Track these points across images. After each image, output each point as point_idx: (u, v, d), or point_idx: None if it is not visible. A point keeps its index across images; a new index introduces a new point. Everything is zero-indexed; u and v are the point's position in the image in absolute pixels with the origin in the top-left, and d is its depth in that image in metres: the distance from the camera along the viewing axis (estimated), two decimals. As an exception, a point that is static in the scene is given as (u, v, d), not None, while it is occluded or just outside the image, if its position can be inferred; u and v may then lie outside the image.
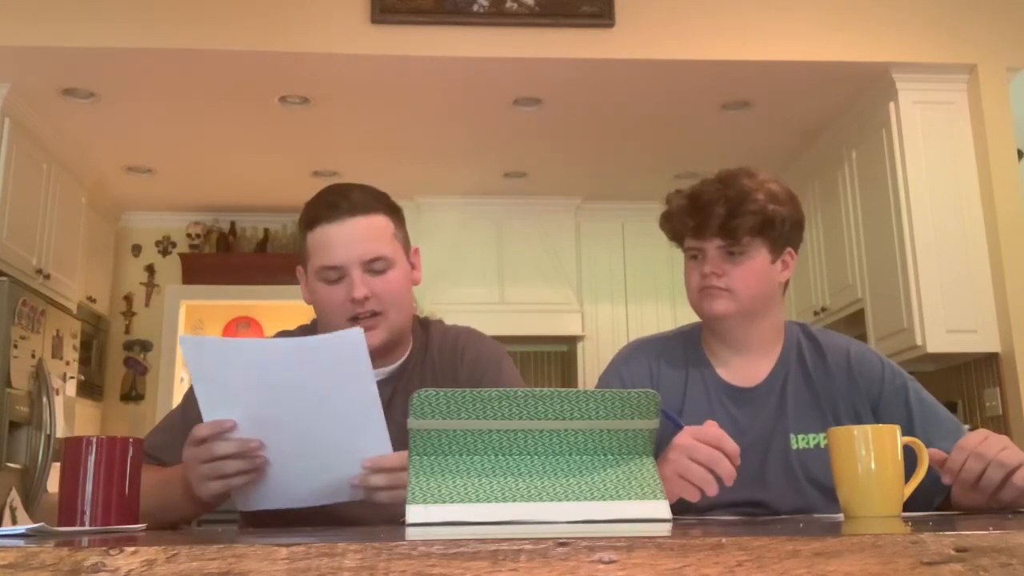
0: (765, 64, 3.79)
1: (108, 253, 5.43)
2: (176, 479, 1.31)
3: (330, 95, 4.02)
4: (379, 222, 1.47)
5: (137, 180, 5.07)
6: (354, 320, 1.43)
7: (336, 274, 1.44)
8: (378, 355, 1.49)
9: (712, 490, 1.17)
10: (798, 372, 1.59)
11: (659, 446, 1.18)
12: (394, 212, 1.51)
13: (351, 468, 1.23)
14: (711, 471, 1.17)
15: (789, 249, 1.60)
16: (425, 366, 1.56)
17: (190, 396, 1.53)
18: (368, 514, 1.34)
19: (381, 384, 1.51)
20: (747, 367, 1.60)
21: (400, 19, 3.64)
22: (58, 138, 4.33)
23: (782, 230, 1.55)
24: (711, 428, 1.20)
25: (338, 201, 1.45)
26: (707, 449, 1.18)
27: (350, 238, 1.43)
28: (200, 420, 1.28)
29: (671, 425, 1.25)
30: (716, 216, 1.51)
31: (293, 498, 1.28)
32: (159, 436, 1.50)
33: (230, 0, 3.62)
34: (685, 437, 1.20)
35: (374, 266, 1.44)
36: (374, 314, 1.44)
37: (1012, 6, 3.87)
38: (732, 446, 1.19)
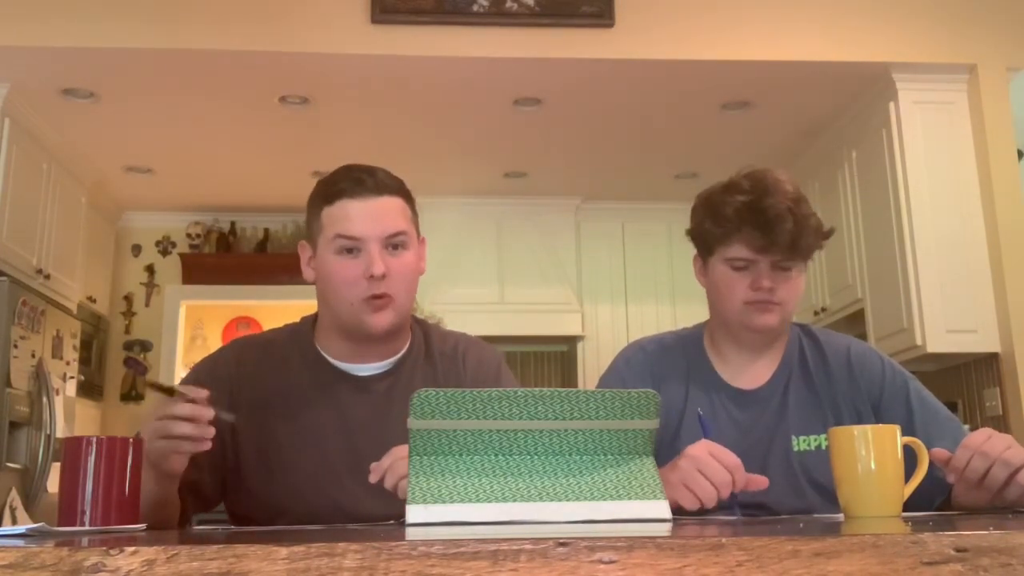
0: (765, 64, 3.79)
1: (108, 253, 5.43)
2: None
3: (330, 95, 4.02)
4: (399, 203, 1.47)
5: (137, 180, 5.07)
6: (368, 300, 1.42)
7: (353, 244, 1.42)
8: (385, 340, 1.49)
9: (710, 505, 1.19)
10: (800, 373, 1.59)
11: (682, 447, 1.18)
12: (411, 200, 1.52)
13: None
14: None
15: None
16: (427, 365, 1.55)
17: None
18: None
19: (380, 377, 1.51)
20: (751, 370, 1.60)
21: (400, 19, 3.64)
22: (58, 138, 4.33)
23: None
24: (728, 452, 1.21)
25: (363, 178, 1.45)
26: (720, 470, 1.19)
27: (373, 213, 1.42)
28: None
29: (666, 441, 1.25)
30: (785, 232, 1.46)
31: None
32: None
33: (230, 0, 3.62)
34: (701, 449, 1.21)
35: (394, 240, 1.43)
36: (386, 295, 1.43)
37: (1012, 6, 3.87)
38: (741, 480, 1.20)
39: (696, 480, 1.18)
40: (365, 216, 1.42)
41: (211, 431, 1.23)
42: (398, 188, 1.49)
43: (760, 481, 1.23)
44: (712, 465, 1.18)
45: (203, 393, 1.23)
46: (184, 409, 1.21)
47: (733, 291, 1.53)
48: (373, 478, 1.16)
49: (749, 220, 1.49)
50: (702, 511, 1.20)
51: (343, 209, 1.43)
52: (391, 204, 1.45)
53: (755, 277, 1.51)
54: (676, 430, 1.54)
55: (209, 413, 1.23)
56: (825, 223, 1.56)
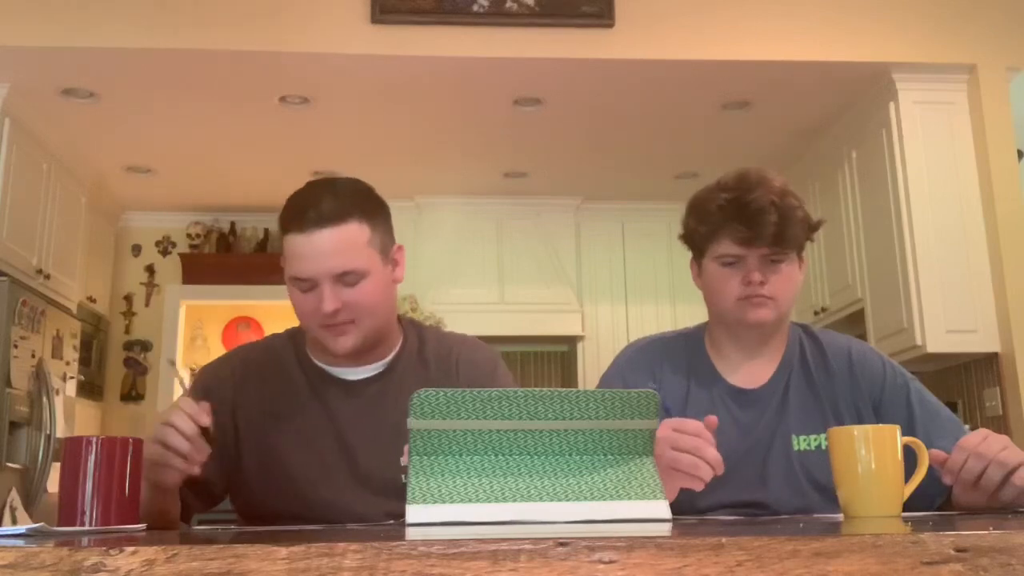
0: (765, 64, 3.79)
1: (108, 253, 5.43)
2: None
3: (330, 95, 4.02)
4: (351, 232, 1.40)
5: (137, 180, 5.07)
6: (326, 328, 1.43)
7: (307, 285, 1.41)
8: (353, 358, 1.50)
9: (704, 473, 1.18)
10: (800, 373, 1.59)
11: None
12: (371, 215, 1.44)
13: None
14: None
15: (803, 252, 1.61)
16: (419, 367, 1.56)
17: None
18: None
19: (370, 380, 1.52)
20: (752, 369, 1.59)
21: (400, 19, 3.64)
22: (58, 138, 4.33)
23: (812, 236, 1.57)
24: (689, 421, 1.22)
25: (306, 210, 1.39)
26: (689, 437, 1.19)
27: (319, 251, 1.39)
28: None
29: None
30: (769, 224, 1.47)
31: None
32: None
33: (230, 0, 3.62)
34: (665, 429, 1.21)
35: (345, 279, 1.40)
36: (344, 322, 1.43)
37: (1012, 6, 3.87)
38: (708, 435, 1.20)
39: (677, 458, 1.18)
40: (313, 254, 1.39)
41: (203, 456, 1.24)
42: (349, 212, 1.40)
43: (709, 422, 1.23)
44: (682, 437, 1.19)
45: (206, 418, 1.24)
46: (185, 425, 1.23)
47: (725, 288, 1.54)
48: (405, 459, 1.16)
49: (733, 215, 1.50)
50: (707, 506, 1.20)
51: (293, 246, 1.41)
52: (339, 236, 1.39)
53: (745, 272, 1.51)
54: None
55: (203, 445, 1.24)
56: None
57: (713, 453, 1.18)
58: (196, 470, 1.24)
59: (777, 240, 1.49)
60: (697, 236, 1.57)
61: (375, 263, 1.44)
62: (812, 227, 1.54)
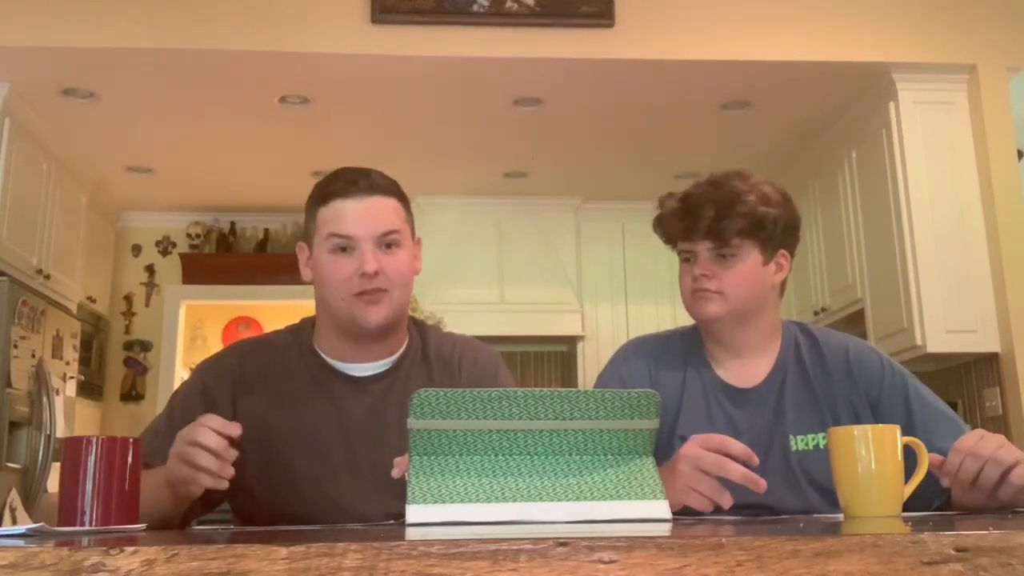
0: (765, 64, 3.79)
1: (108, 253, 5.43)
2: (162, 474, 1.30)
3: (330, 95, 4.02)
4: (393, 204, 1.50)
5: (137, 180, 5.06)
6: (360, 295, 1.44)
7: (346, 243, 1.44)
8: (379, 335, 1.50)
9: (725, 500, 1.17)
10: (796, 372, 1.59)
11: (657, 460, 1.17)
12: (405, 201, 1.54)
13: None
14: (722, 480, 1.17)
15: (783, 251, 1.60)
16: (423, 366, 1.56)
17: (175, 400, 1.54)
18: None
19: (377, 377, 1.52)
20: (745, 367, 1.60)
21: (400, 19, 3.64)
22: (58, 138, 4.33)
23: (773, 232, 1.55)
24: (715, 435, 1.21)
25: (357, 179, 1.48)
26: (713, 456, 1.18)
27: (366, 212, 1.45)
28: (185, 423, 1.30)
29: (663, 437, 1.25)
30: (704, 218, 1.52)
31: None
32: (147, 441, 1.44)
33: (230, 0, 3.62)
34: (691, 447, 1.20)
35: (387, 239, 1.46)
36: (379, 290, 1.45)
37: (1012, 6, 3.87)
38: (739, 447, 1.19)
39: (699, 479, 1.17)
40: (358, 215, 1.45)
41: (231, 471, 1.24)
42: (392, 189, 1.51)
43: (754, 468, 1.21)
44: (706, 456, 1.18)
45: (236, 429, 1.25)
46: (212, 441, 1.22)
47: (682, 283, 1.60)
48: (396, 473, 1.15)
49: (677, 213, 1.58)
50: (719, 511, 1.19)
51: (337, 209, 1.46)
52: (384, 204, 1.48)
53: (693, 265, 1.57)
54: (672, 426, 1.54)
55: (232, 455, 1.24)
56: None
57: (737, 469, 1.17)
58: (225, 484, 1.24)
59: (711, 233, 1.52)
60: (659, 236, 1.65)
61: (408, 238, 1.52)
62: (756, 222, 1.52)
